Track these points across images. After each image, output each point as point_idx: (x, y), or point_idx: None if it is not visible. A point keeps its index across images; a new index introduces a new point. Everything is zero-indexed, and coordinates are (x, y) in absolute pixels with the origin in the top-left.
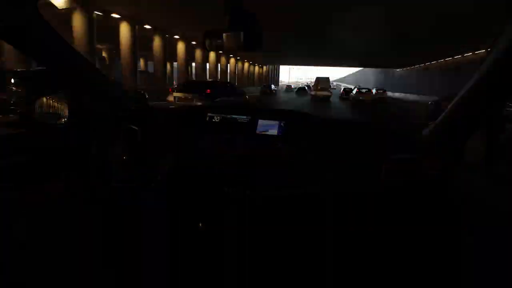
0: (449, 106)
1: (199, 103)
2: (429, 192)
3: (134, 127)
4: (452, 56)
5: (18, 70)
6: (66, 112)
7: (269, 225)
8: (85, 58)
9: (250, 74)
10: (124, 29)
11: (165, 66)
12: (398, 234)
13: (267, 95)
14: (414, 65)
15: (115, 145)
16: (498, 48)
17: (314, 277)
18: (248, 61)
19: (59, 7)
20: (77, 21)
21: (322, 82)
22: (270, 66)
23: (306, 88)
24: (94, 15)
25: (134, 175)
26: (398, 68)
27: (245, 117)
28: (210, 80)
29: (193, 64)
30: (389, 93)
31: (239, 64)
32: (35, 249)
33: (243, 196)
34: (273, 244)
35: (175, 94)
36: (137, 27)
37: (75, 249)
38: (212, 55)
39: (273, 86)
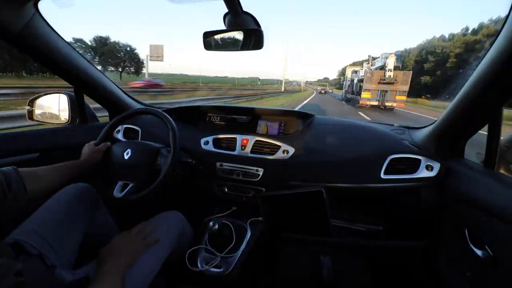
0: (449, 106)
1: None
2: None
3: (136, 127)
4: None
5: None
6: (67, 111)
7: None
8: (85, 58)
9: None
10: None
11: None
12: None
13: None
14: None
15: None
16: (497, 47)
17: None
18: None
19: None
20: None
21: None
22: None
23: None
24: None
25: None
26: None
27: (245, 117)
28: None
29: None
30: None
31: None
32: None
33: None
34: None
35: None
36: None
37: None
38: None
39: None
